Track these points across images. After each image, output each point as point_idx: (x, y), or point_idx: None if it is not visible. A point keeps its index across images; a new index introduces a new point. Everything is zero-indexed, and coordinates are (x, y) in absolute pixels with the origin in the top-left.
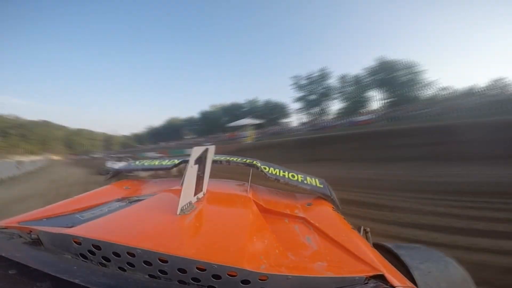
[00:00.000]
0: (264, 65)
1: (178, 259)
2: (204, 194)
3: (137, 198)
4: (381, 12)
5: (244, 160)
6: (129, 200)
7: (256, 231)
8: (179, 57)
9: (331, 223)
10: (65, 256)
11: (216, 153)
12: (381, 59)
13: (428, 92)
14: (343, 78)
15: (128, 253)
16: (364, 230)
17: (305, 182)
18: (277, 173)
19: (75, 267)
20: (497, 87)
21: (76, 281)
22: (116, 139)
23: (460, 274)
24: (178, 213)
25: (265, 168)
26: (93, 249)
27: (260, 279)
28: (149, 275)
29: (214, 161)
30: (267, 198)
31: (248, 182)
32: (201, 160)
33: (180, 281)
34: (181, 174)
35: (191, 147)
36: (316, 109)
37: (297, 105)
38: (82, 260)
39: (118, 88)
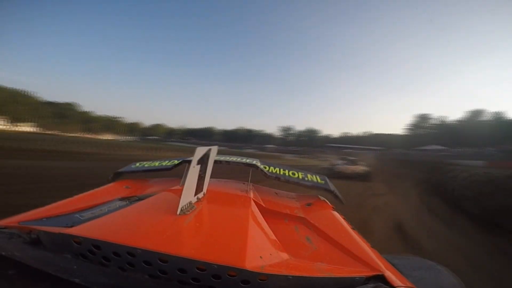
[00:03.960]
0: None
1: (178, 259)
2: (204, 194)
3: (138, 198)
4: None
5: (244, 160)
6: (130, 200)
7: (256, 231)
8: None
9: (331, 223)
10: (65, 256)
11: None
12: None
13: None
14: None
15: (128, 253)
16: None
17: (306, 179)
18: (277, 172)
19: (75, 267)
20: None
21: (76, 280)
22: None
23: (451, 281)
24: (178, 213)
25: (265, 168)
26: (93, 249)
27: (260, 279)
28: (149, 275)
29: (214, 161)
30: (267, 198)
31: (248, 182)
32: (203, 161)
33: (180, 281)
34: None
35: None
36: None
37: None
38: (82, 260)
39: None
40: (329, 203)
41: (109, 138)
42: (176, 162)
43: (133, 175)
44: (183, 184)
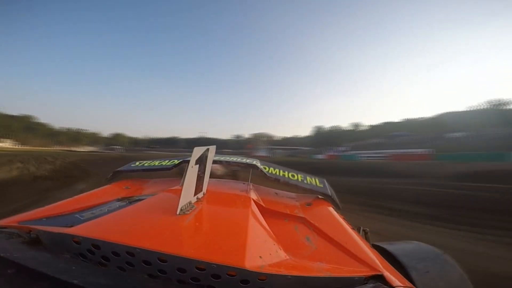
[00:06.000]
0: None
1: (178, 259)
2: (204, 194)
3: (137, 198)
4: None
5: (244, 160)
6: (129, 200)
7: (256, 231)
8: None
9: (331, 223)
10: (64, 256)
11: None
12: None
13: None
14: None
15: (127, 252)
16: (364, 230)
17: (305, 181)
18: (277, 173)
19: (74, 267)
20: None
21: (75, 281)
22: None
23: (457, 273)
24: (177, 213)
25: (265, 168)
26: (93, 249)
27: (259, 279)
28: (149, 275)
29: (214, 161)
30: (267, 198)
31: (248, 182)
32: (201, 160)
33: (180, 281)
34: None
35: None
36: None
37: None
38: (82, 260)
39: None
40: (328, 203)
41: (91, 149)
42: (176, 162)
43: (132, 174)
44: (183, 184)
